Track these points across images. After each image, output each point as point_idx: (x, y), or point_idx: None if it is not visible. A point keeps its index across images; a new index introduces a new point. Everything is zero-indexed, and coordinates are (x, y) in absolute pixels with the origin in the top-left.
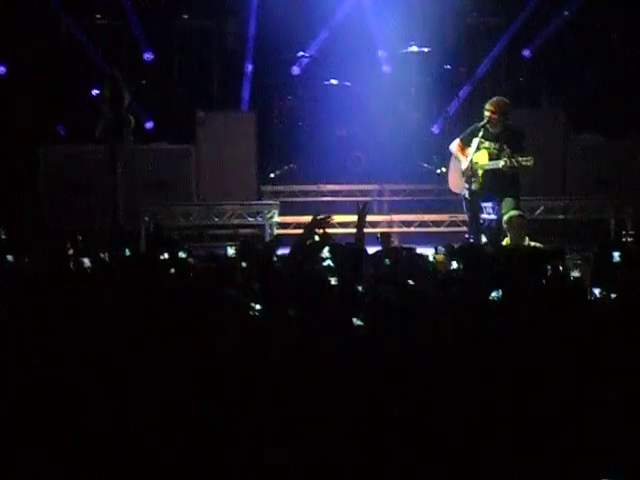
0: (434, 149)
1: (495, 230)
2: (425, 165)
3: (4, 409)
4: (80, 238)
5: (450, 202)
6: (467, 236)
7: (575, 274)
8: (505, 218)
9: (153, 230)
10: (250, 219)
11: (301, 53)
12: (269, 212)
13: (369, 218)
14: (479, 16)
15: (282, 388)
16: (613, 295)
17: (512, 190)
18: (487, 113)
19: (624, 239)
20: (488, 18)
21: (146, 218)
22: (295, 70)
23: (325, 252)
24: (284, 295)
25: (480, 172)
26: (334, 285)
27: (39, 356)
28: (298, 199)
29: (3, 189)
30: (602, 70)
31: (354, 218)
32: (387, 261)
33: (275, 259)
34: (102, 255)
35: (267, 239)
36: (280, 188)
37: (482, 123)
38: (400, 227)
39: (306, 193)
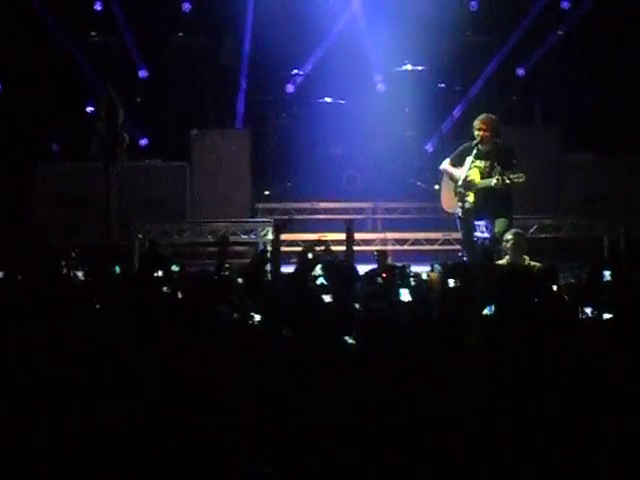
0: (428, 167)
1: (489, 248)
2: (419, 183)
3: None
4: (74, 254)
5: (444, 220)
6: (461, 254)
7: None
8: (505, 237)
9: (148, 247)
10: (244, 237)
11: (295, 71)
12: (263, 230)
13: (363, 236)
14: (473, 35)
15: (277, 400)
16: (606, 315)
17: (505, 209)
18: (479, 132)
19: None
20: (482, 37)
21: (140, 235)
22: (289, 88)
23: (317, 270)
24: (278, 312)
25: (473, 191)
26: (328, 302)
27: (31, 369)
28: (292, 217)
29: None
30: (595, 89)
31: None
32: (379, 279)
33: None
34: (94, 271)
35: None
36: (274, 206)
37: (475, 142)
38: (394, 245)
39: (300, 211)
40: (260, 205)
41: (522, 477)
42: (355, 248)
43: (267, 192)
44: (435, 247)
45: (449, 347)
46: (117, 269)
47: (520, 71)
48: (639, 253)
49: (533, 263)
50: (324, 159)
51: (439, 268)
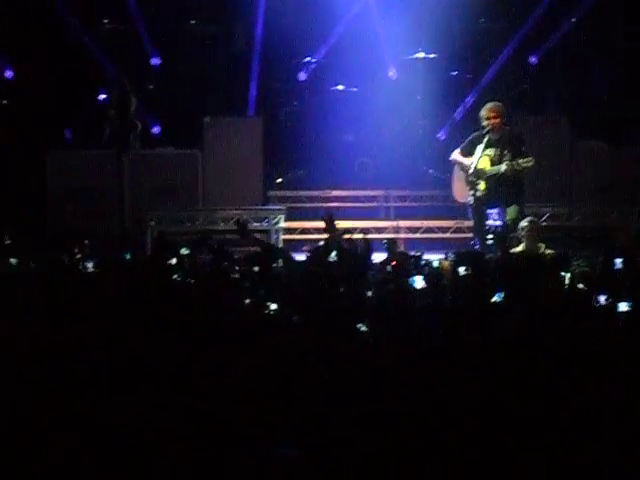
0: (440, 155)
1: (501, 236)
2: (431, 171)
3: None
4: (87, 242)
5: (456, 208)
6: (473, 242)
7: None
8: (521, 224)
9: (156, 238)
10: (256, 224)
11: (308, 59)
12: (275, 217)
13: (375, 224)
14: (486, 22)
15: (289, 388)
16: (621, 304)
17: (517, 196)
18: (488, 120)
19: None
20: (495, 24)
21: (152, 223)
22: (302, 76)
23: (332, 256)
24: (291, 299)
25: (484, 179)
26: (341, 290)
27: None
28: (304, 204)
29: (10, 194)
30: (608, 77)
31: (360, 224)
32: (389, 267)
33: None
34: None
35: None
36: (286, 193)
37: (485, 130)
38: (406, 233)
39: (312, 199)
40: (272, 193)
41: (532, 465)
42: (368, 236)
43: (279, 180)
44: (447, 235)
45: (462, 333)
46: (128, 256)
47: (532, 59)
48: None
49: (548, 251)
50: (336, 147)
51: (453, 257)
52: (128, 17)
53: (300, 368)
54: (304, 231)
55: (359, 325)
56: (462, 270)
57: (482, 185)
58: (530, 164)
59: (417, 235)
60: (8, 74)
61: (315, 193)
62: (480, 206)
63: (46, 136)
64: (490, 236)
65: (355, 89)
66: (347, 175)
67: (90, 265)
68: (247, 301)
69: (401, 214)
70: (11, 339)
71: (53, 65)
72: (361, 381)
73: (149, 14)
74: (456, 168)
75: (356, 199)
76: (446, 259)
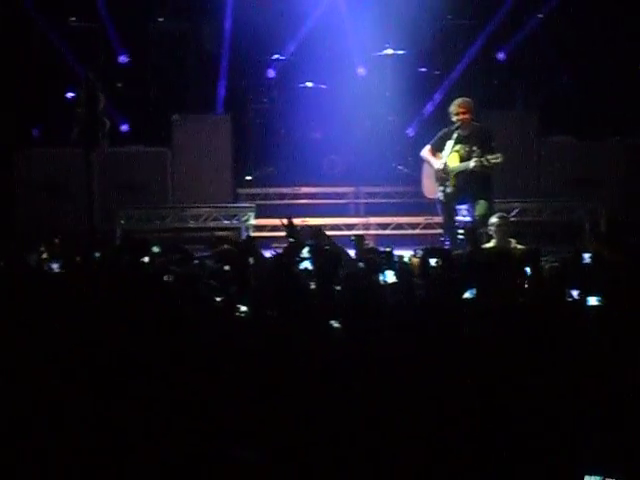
0: (409, 151)
1: (472, 231)
2: (400, 167)
3: None
4: (57, 241)
5: (425, 205)
6: (443, 239)
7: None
8: (490, 220)
9: (122, 237)
10: (226, 222)
11: (276, 56)
12: (245, 215)
13: (345, 221)
14: (454, 19)
15: (262, 386)
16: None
17: (485, 192)
18: (457, 116)
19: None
20: (463, 21)
21: (122, 221)
22: (270, 73)
23: (304, 253)
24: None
25: (453, 175)
26: (313, 288)
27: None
28: (274, 202)
29: None
30: (575, 72)
31: (330, 221)
32: (361, 264)
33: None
34: (76, 259)
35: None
36: (256, 191)
37: (455, 126)
38: (376, 229)
39: (282, 196)
40: (242, 190)
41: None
42: (338, 233)
43: (249, 177)
44: (417, 231)
45: (434, 327)
46: (96, 256)
47: (501, 55)
48: (620, 235)
49: (519, 247)
50: (306, 144)
51: (421, 253)
52: (96, 15)
53: (271, 366)
54: (274, 228)
55: (332, 322)
56: (433, 262)
57: (451, 181)
58: (499, 160)
59: (387, 231)
60: None
61: (285, 190)
62: (449, 202)
63: (14, 134)
64: (461, 232)
65: (324, 86)
66: (316, 172)
67: (55, 267)
68: (218, 299)
69: (371, 211)
70: None
71: (20, 63)
72: (334, 379)
73: (117, 12)
74: (425, 164)
75: (326, 196)
76: (415, 256)
